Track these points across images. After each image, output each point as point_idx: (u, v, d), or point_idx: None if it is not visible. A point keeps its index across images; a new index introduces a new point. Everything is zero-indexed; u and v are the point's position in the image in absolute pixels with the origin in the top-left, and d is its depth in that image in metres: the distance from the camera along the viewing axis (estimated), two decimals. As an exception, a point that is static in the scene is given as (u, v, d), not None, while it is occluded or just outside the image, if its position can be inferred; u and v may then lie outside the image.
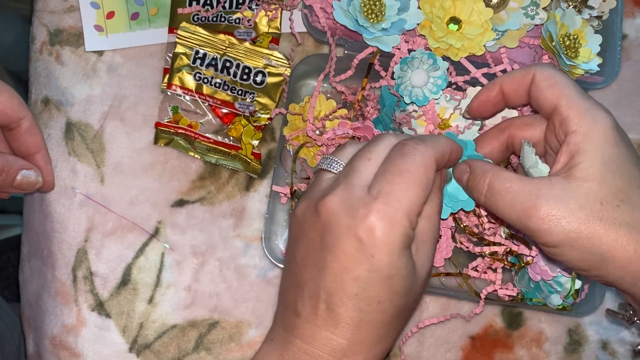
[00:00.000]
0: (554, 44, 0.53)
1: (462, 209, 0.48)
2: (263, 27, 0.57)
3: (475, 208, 0.53)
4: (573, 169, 0.41)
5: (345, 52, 0.54)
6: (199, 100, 0.55)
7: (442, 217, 0.46)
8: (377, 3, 0.52)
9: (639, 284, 0.40)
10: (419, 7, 0.53)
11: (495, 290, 0.52)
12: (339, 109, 0.55)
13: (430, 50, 0.53)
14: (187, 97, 0.55)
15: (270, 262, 0.54)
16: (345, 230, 0.39)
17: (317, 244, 0.40)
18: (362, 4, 0.52)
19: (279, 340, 0.42)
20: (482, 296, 0.52)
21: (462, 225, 0.53)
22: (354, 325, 0.40)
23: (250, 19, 0.57)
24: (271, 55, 0.56)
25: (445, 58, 0.53)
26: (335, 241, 0.39)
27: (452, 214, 0.53)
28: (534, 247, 0.51)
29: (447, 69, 0.53)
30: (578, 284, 0.52)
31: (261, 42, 0.57)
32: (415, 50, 0.53)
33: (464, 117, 0.54)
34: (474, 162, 0.45)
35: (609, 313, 0.48)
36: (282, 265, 0.53)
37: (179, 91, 0.55)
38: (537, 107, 0.45)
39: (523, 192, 0.41)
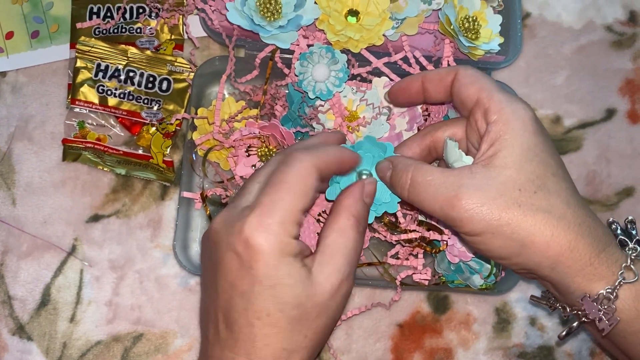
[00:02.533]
0: (452, 27, 0.53)
1: (386, 212, 0.48)
2: (165, 34, 0.57)
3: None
4: (493, 157, 0.42)
5: (246, 52, 0.54)
6: (105, 113, 0.55)
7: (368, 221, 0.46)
8: (272, 1, 0.52)
9: (557, 267, 0.41)
10: (315, 2, 0.53)
11: (411, 275, 0.52)
12: (247, 109, 0.55)
13: (330, 44, 0.53)
14: (93, 111, 0.55)
15: (190, 271, 0.53)
16: (225, 247, 0.39)
17: (209, 266, 0.42)
18: (257, 3, 0.52)
19: None
20: (398, 282, 0.52)
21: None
22: (250, 341, 0.39)
23: (151, 27, 0.56)
24: (175, 61, 0.56)
25: (345, 50, 0.54)
26: (220, 260, 0.40)
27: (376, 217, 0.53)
28: (446, 231, 0.52)
29: (349, 61, 0.54)
30: (498, 262, 0.53)
31: (165, 50, 0.56)
32: (314, 45, 0.53)
33: (385, 99, 0.54)
34: (396, 158, 0.46)
35: (533, 299, 0.48)
36: (198, 273, 0.53)
37: (84, 105, 0.54)
38: (459, 103, 0.46)
39: (445, 183, 0.42)
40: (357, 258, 0.43)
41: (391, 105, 0.54)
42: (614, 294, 0.40)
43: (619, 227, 0.45)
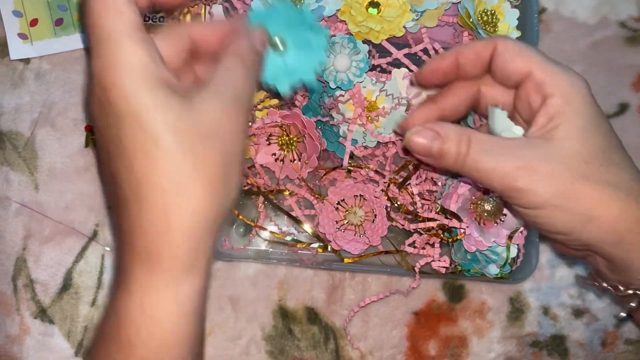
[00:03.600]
0: (471, 20, 0.54)
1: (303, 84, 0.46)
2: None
3: (407, 186, 0.55)
4: (553, 131, 0.40)
5: (269, 42, 0.55)
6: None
7: (281, 90, 0.44)
8: (295, -8, 0.53)
9: (621, 243, 0.39)
10: (337, -7, 0.54)
11: (429, 263, 0.53)
12: (268, 98, 0.56)
13: (352, 34, 0.54)
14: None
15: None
16: (95, 107, 0.35)
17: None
18: (281, -6, 0.53)
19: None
20: (417, 269, 0.53)
21: (396, 204, 0.54)
22: (133, 183, 0.33)
23: (174, 17, 0.57)
24: (197, 50, 0.56)
25: (366, 41, 0.54)
26: (96, 121, 0.35)
27: (385, 191, 0.54)
28: (465, 220, 0.52)
29: (369, 52, 0.54)
30: (514, 251, 0.54)
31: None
32: (336, 35, 0.53)
33: (411, 83, 0.54)
34: (442, 125, 0.42)
35: (580, 280, 0.47)
36: (223, 259, 0.54)
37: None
38: (503, 77, 0.43)
39: (507, 153, 0.40)
40: (247, 97, 0.37)
41: (410, 96, 0.55)
42: None
43: None
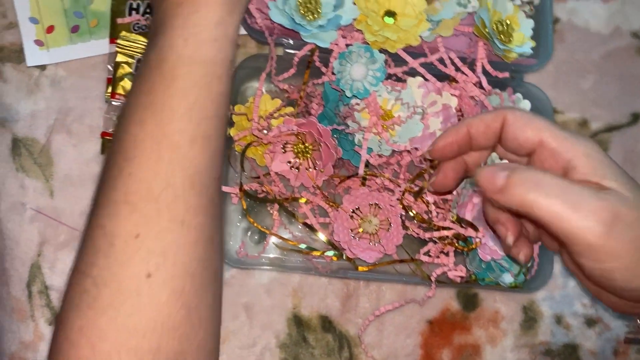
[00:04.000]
0: (487, 30, 0.54)
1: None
2: (203, 31, 0.57)
3: (423, 195, 0.55)
4: (599, 186, 0.37)
5: (285, 50, 0.55)
6: (144, 107, 0.56)
7: None
8: (312, 1, 0.53)
9: None
10: (354, 3, 0.54)
11: (445, 273, 0.53)
12: (284, 107, 0.56)
13: (368, 44, 0.54)
14: (132, 105, 0.56)
15: (226, 264, 0.54)
16: None
17: None
18: (298, 2, 0.53)
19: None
20: (433, 279, 0.53)
21: (411, 213, 0.54)
22: None
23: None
24: (213, 58, 0.56)
25: (382, 50, 0.55)
26: None
27: (400, 200, 0.54)
28: (481, 229, 0.53)
29: (385, 61, 0.55)
30: (528, 261, 0.54)
31: (203, 47, 0.57)
32: (352, 45, 0.54)
33: (424, 158, 0.55)
34: (513, 166, 0.38)
35: (629, 337, 0.46)
36: (234, 265, 0.54)
37: (123, 99, 0.55)
38: (515, 146, 0.42)
39: (583, 191, 0.36)
40: None
41: (425, 105, 0.55)
42: None
43: None
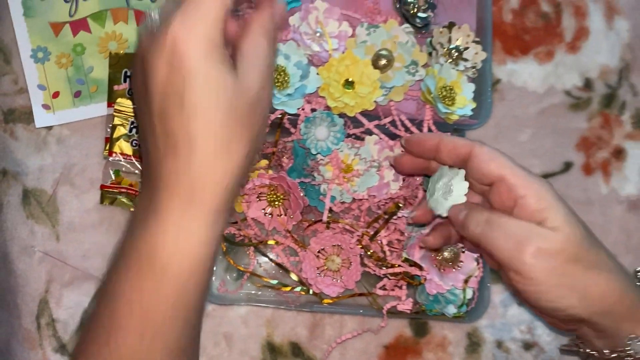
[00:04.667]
0: (431, 95, 0.63)
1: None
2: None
3: (378, 237, 0.63)
4: (543, 223, 0.46)
5: (259, 114, 0.64)
6: (137, 162, 0.64)
7: None
8: (282, 73, 0.62)
9: (609, 315, 0.45)
10: (317, 73, 0.63)
11: (395, 306, 0.62)
12: (259, 161, 0.64)
13: (330, 108, 0.63)
14: (127, 161, 0.64)
15: (208, 300, 0.62)
16: (153, 57, 0.40)
17: (140, 83, 0.42)
18: (269, 74, 0.62)
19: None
20: (384, 312, 0.61)
21: (369, 253, 0.63)
22: (189, 139, 0.39)
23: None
24: (197, 119, 0.65)
25: (343, 114, 0.63)
26: (149, 71, 0.40)
27: (359, 241, 0.63)
28: (426, 267, 0.61)
29: (345, 123, 0.64)
30: (469, 294, 0.62)
31: (188, 109, 0.66)
32: (317, 110, 0.63)
33: (389, 162, 0.63)
34: (470, 203, 0.52)
35: (564, 348, 0.54)
36: (215, 301, 0.62)
37: (119, 157, 0.64)
38: (479, 176, 0.50)
39: (517, 228, 0.46)
40: (272, 65, 0.44)
41: (380, 159, 0.64)
42: None
43: None
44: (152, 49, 0.40)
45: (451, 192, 0.54)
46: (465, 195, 0.53)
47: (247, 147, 0.42)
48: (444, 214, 0.54)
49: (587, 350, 0.50)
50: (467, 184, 0.53)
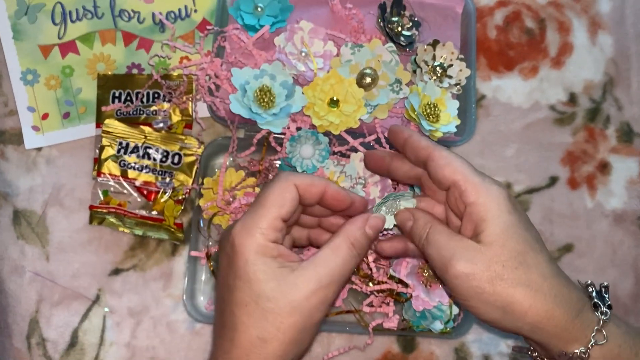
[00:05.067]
0: (415, 113, 0.64)
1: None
2: (177, 116, 0.67)
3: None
4: (480, 235, 0.47)
5: (246, 132, 0.65)
6: (125, 183, 0.65)
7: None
8: (267, 93, 0.62)
9: (536, 331, 0.46)
10: (302, 93, 0.63)
11: (381, 323, 0.62)
12: (246, 179, 0.65)
13: (315, 127, 0.64)
14: (116, 182, 0.65)
15: (195, 319, 0.63)
16: (222, 250, 0.49)
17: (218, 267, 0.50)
18: (255, 95, 0.62)
19: None
20: (370, 329, 0.62)
21: (355, 269, 0.63)
22: (232, 327, 0.45)
23: (165, 110, 0.67)
24: (185, 139, 0.66)
25: (328, 132, 0.64)
26: (219, 261, 0.49)
27: None
28: (412, 284, 0.62)
29: (331, 141, 0.64)
30: (455, 310, 0.63)
31: (176, 129, 0.67)
32: (302, 129, 0.63)
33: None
34: (418, 212, 0.53)
35: (515, 350, 0.55)
36: (203, 319, 0.63)
37: (108, 177, 0.65)
38: (435, 180, 0.51)
39: (445, 248, 0.47)
40: (343, 276, 0.47)
41: (366, 176, 0.65)
42: (587, 353, 0.46)
43: (594, 291, 0.49)
44: (223, 244, 0.49)
45: (398, 209, 0.55)
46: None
47: (283, 346, 0.46)
48: (390, 227, 0.55)
49: (535, 355, 0.51)
50: (414, 202, 0.54)
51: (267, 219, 0.47)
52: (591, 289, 0.50)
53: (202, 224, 0.64)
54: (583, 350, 0.46)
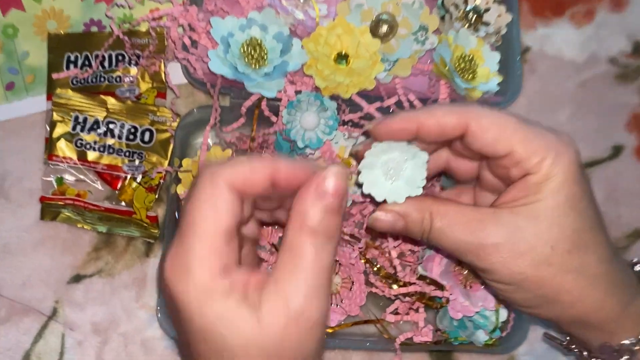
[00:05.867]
0: (447, 68, 0.50)
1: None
2: (146, 82, 0.54)
3: (385, 250, 0.51)
4: (524, 207, 0.39)
5: (232, 100, 0.52)
6: (84, 167, 0.52)
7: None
8: (256, 48, 0.49)
9: (576, 324, 0.41)
10: (302, 47, 0.50)
11: (411, 337, 0.49)
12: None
13: (319, 89, 0.51)
14: (72, 166, 0.52)
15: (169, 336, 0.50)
16: (163, 292, 0.37)
17: None
18: (242, 50, 0.49)
19: None
20: (396, 345, 0.49)
21: (375, 268, 0.51)
22: None
23: (132, 76, 0.54)
24: (157, 111, 0.53)
25: (336, 96, 0.51)
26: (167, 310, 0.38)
27: (362, 254, 0.50)
28: (449, 285, 0.49)
29: (339, 107, 0.51)
30: (503, 315, 0.50)
31: (146, 99, 0.54)
32: (302, 92, 0.50)
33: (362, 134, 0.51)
34: (405, 206, 0.41)
35: (547, 337, 0.48)
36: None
37: (61, 161, 0.52)
38: (474, 155, 0.41)
39: (468, 228, 0.39)
40: (320, 279, 0.34)
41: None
42: (638, 346, 0.41)
43: None
44: (159, 286, 0.42)
45: (400, 176, 0.41)
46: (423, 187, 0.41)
47: None
48: (379, 199, 0.41)
49: (572, 346, 0.46)
50: (425, 173, 0.41)
51: (203, 244, 0.33)
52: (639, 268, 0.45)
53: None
54: (634, 342, 0.41)
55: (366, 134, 0.45)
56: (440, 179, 0.52)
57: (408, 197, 0.41)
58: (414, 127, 0.41)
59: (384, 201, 0.42)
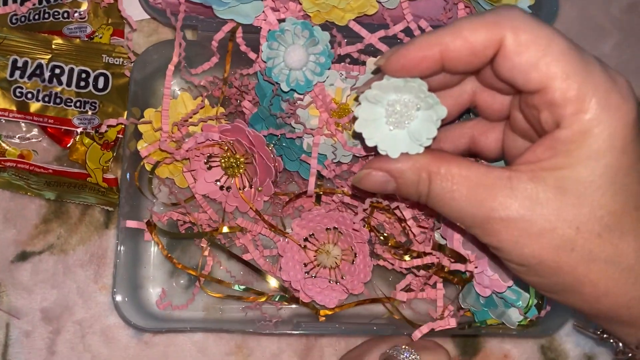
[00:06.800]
0: (466, -14, 0.41)
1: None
2: (100, 18, 0.45)
3: (396, 210, 0.42)
4: (548, 174, 0.32)
5: (200, 33, 0.42)
6: (26, 122, 0.44)
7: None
8: (227, -36, 0.40)
9: (604, 318, 0.35)
10: (285, -38, 0.41)
11: (433, 329, 0.40)
12: (205, 107, 0.43)
13: (309, 17, 0.41)
14: (11, 121, 0.43)
15: (142, 319, 0.41)
16: None
17: None
18: (209, -32, 0.40)
19: None
20: (415, 339, 0.40)
21: (382, 236, 0.41)
22: None
23: (81, 10, 0.45)
24: (113, 51, 0.45)
25: (329, 24, 0.41)
26: None
27: (366, 221, 0.41)
28: (473, 255, 0.40)
29: (333, 39, 0.42)
30: (540, 291, 0.41)
31: (100, 37, 0.45)
32: (286, 20, 0.40)
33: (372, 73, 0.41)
34: (396, 164, 0.34)
35: (577, 327, 0.43)
36: (152, 326, 0.41)
37: (-2, 115, 0.43)
38: (507, 82, 0.33)
39: (474, 198, 0.33)
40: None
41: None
42: None
43: None
44: None
45: (404, 125, 0.33)
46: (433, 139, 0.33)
47: None
48: (369, 143, 0.33)
49: (604, 335, 0.40)
50: (436, 132, 0.32)
51: None
52: None
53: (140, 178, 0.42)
54: None
55: (376, 71, 0.35)
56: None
57: (404, 153, 0.32)
58: (437, 54, 0.32)
59: (375, 148, 0.32)
